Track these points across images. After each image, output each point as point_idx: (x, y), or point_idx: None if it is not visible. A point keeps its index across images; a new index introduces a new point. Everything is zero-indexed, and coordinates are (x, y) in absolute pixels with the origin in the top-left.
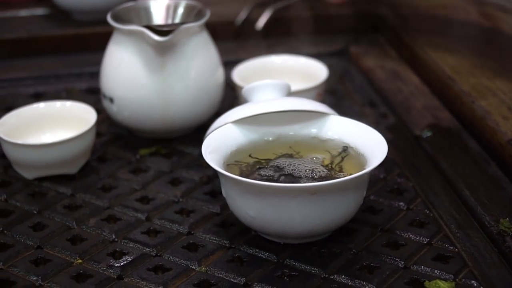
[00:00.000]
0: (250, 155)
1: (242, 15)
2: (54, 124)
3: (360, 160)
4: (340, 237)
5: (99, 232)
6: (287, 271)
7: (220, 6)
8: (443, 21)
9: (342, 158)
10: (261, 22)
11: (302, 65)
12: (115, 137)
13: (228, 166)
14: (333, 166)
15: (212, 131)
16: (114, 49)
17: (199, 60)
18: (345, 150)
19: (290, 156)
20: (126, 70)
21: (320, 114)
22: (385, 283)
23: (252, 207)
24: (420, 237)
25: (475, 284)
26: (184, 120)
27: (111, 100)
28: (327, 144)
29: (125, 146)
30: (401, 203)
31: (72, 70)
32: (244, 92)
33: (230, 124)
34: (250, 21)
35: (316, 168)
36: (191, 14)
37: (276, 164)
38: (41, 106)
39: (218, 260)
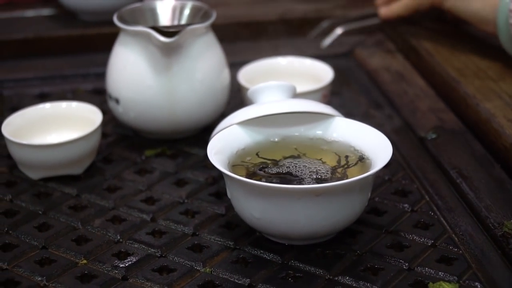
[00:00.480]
0: (257, 154)
1: (316, 31)
2: (59, 125)
3: (365, 162)
4: (344, 238)
5: (104, 232)
6: (292, 272)
7: (226, 7)
8: (449, 23)
9: (350, 160)
10: (328, 40)
11: (307, 67)
12: (120, 138)
13: (233, 167)
14: (339, 167)
15: (218, 132)
16: (120, 50)
17: (205, 61)
18: (361, 160)
19: (296, 157)
20: (132, 71)
21: (325, 116)
22: (389, 284)
23: (256, 208)
24: (424, 239)
25: (479, 286)
26: (189, 121)
27: (117, 101)
28: (333, 146)
29: (130, 147)
30: (406, 205)
31: (78, 71)
32: (249, 93)
33: (235, 125)
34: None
35: (321, 170)
36: (197, 15)
37: (281, 165)
38: (47, 106)
39: (223, 261)
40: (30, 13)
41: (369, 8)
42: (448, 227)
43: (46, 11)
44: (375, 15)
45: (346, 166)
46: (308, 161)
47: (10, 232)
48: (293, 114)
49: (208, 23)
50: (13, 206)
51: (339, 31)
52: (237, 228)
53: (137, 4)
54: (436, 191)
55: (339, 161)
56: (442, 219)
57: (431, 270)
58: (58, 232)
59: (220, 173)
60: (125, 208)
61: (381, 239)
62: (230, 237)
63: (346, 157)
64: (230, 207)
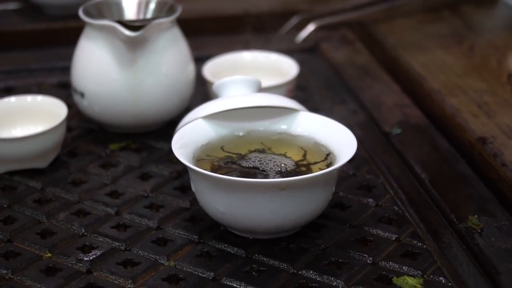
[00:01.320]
0: (222, 148)
1: (288, 26)
2: (25, 119)
3: (330, 156)
4: (309, 232)
5: (69, 226)
6: (256, 266)
7: (192, 1)
8: (414, 18)
9: (314, 154)
10: (303, 34)
11: (273, 61)
12: (85, 131)
13: (198, 161)
14: (303, 161)
15: (182, 126)
16: (85, 44)
17: (170, 55)
18: (326, 154)
19: (261, 151)
20: (97, 65)
21: (290, 110)
22: (353, 278)
23: (221, 202)
24: (388, 234)
25: (443, 281)
26: (154, 115)
27: (82, 94)
28: (298, 140)
29: (95, 140)
30: (370, 199)
31: (43, 65)
32: (214, 87)
33: (200, 119)
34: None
35: (286, 164)
36: (163, 9)
37: (247, 159)
38: (12, 100)
39: (187, 255)
40: None
41: (339, 3)
42: (412, 222)
43: (11, 5)
44: (346, 10)
45: (310, 160)
46: (273, 155)
47: None
48: (258, 108)
49: (173, 17)
50: None
51: (312, 26)
52: (201, 222)
53: None
54: (401, 186)
55: (304, 156)
56: (406, 213)
57: (395, 265)
58: (23, 226)
59: (185, 167)
60: (90, 201)
61: (346, 233)
62: (195, 231)
63: (311, 151)
64: (194, 201)
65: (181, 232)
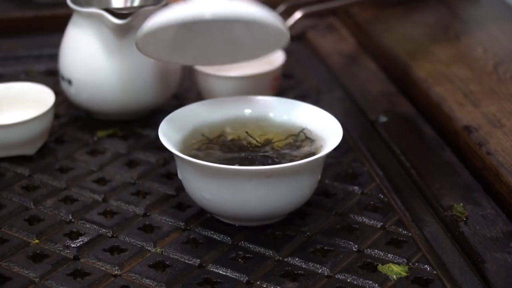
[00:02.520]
0: (207, 135)
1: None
2: (12, 106)
3: (315, 144)
4: (294, 220)
5: (56, 212)
6: (242, 253)
7: None
8: (401, 6)
9: (300, 142)
10: (289, 22)
11: None
12: (73, 118)
13: (184, 148)
14: (289, 149)
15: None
16: (73, 31)
17: None
18: (311, 142)
19: (247, 138)
20: (85, 53)
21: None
22: (339, 266)
23: (207, 189)
24: (374, 221)
25: (428, 269)
26: (141, 103)
27: (70, 82)
28: (283, 127)
29: (83, 127)
30: (356, 187)
31: (31, 52)
32: None
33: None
34: None
35: (272, 151)
36: None
37: (232, 146)
38: None
39: (174, 242)
40: None
41: None
42: (398, 210)
43: None
44: None
45: (296, 148)
46: (259, 142)
47: None
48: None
49: (160, 4)
50: None
51: (298, 14)
52: (188, 209)
53: None
54: (386, 174)
55: (289, 143)
56: (392, 201)
57: (381, 252)
58: (10, 212)
59: (172, 154)
60: (77, 188)
61: (331, 221)
62: (181, 218)
63: (297, 139)
64: (181, 188)
65: (167, 219)
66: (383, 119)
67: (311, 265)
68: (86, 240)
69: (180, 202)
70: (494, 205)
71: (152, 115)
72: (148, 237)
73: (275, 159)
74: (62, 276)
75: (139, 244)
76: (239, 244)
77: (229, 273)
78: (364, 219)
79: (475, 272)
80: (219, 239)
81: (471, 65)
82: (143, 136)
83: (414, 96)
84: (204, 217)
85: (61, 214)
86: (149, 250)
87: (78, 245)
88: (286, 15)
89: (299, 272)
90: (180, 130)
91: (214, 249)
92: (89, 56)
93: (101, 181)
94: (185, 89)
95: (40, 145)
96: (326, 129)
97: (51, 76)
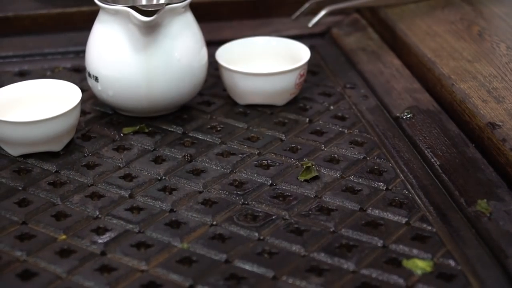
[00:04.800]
0: None
1: (299, 11)
2: (39, 102)
3: None
4: (319, 216)
5: (83, 208)
6: (268, 248)
7: None
8: (425, 3)
9: None
10: (315, 20)
11: (285, 46)
12: (99, 115)
13: None
14: None
15: None
16: (99, 28)
17: (183, 40)
18: None
19: None
20: (111, 49)
21: None
22: (364, 261)
23: None
24: (398, 217)
25: (453, 264)
26: (167, 100)
27: (96, 78)
28: None
29: (109, 124)
30: (381, 183)
31: (57, 49)
32: None
33: None
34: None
35: None
36: None
37: None
38: (26, 84)
39: (200, 237)
40: None
41: None
42: (422, 206)
43: None
44: None
45: None
46: None
47: None
48: None
49: (186, 2)
50: None
51: (323, 11)
52: (214, 204)
53: None
54: (411, 170)
55: None
56: (416, 197)
57: (405, 248)
58: (37, 208)
59: (197, 150)
60: (104, 184)
61: (356, 217)
62: (208, 214)
63: None
64: (207, 184)
65: (194, 215)
66: (407, 115)
67: (337, 260)
68: (113, 235)
69: (207, 198)
70: None
71: (178, 112)
72: (175, 233)
73: None
74: (89, 271)
75: (165, 240)
76: (265, 239)
77: (255, 269)
78: (389, 215)
79: (499, 267)
80: (245, 234)
81: (494, 61)
82: (169, 132)
83: (438, 93)
84: (231, 212)
85: (88, 210)
86: (175, 245)
87: (105, 240)
88: (311, 12)
89: (325, 267)
90: None
91: (240, 244)
92: (115, 53)
93: (127, 177)
94: (210, 85)
95: (67, 142)
96: None
97: (77, 73)
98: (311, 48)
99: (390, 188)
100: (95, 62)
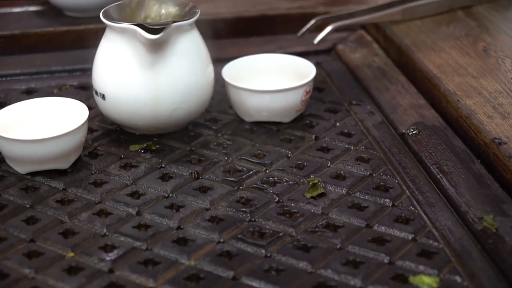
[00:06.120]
0: None
1: (305, 28)
2: (46, 120)
3: None
4: (326, 232)
5: (91, 226)
6: (275, 265)
7: (210, 3)
8: (430, 19)
9: None
10: (320, 36)
11: (290, 63)
12: (106, 132)
13: None
14: None
15: None
16: (106, 46)
17: (190, 57)
18: None
19: None
20: (118, 67)
21: None
22: (370, 277)
23: None
24: (405, 233)
25: (459, 280)
26: (174, 117)
27: (103, 96)
28: None
29: (116, 141)
30: (387, 200)
31: (64, 67)
32: None
33: None
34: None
35: None
36: (182, 12)
37: None
38: (34, 102)
39: (207, 254)
40: (17, 9)
41: (355, 5)
42: (428, 222)
43: (33, 7)
44: (363, 12)
45: None
46: None
47: None
48: None
49: (193, 20)
50: (1, 199)
51: (329, 28)
52: (221, 222)
53: (123, 1)
54: (417, 186)
55: None
56: (422, 213)
57: (412, 264)
58: (45, 225)
59: (204, 167)
60: (111, 202)
61: (363, 233)
62: (215, 231)
63: None
64: (214, 201)
65: (201, 232)
66: (413, 131)
67: (343, 277)
68: (120, 253)
69: (214, 215)
70: None
71: (185, 129)
72: (182, 250)
73: None
74: None
75: (173, 257)
76: (272, 256)
77: (262, 286)
78: (395, 231)
79: (505, 283)
80: (252, 251)
81: (500, 77)
82: (176, 149)
83: (443, 109)
84: (238, 229)
85: (96, 228)
86: (183, 263)
87: (112, 258)
88: (317, 29)
89: (332, 284)
90: None
91: (248, 261)
92: (122, 70)
93: (135, 194)
94: (217, 103)
95: (74, 159)
96: None
97: (84, 91)
98: (317, 64)
99: (396, 204)
100: (102, 80)
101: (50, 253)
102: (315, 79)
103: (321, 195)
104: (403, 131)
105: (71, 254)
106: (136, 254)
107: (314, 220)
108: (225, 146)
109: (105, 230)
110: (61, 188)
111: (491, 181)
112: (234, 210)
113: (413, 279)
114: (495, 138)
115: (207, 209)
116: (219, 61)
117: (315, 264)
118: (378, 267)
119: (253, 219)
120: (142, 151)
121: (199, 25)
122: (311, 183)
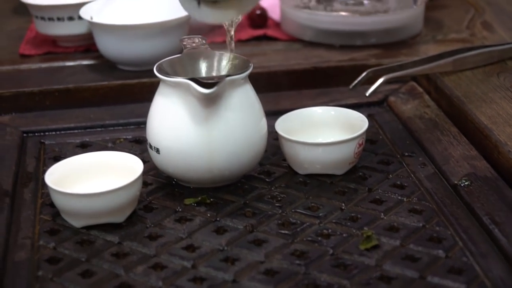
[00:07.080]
0: None
1: (356, 81)
2: (101, 174)
3: None
4: (380, 284)
5: (147, 279)
6: None
7: (263, 57)
8: (480, 70)
9: None
10: (371, 88)
11: (343, 116)
12: (161, 186)
13: None
14: None
15: None
16: (160, 100)
17: (243, 111)
18: None
19: None
20: (172, 121)
21: None
22: None
23: None
24: (457, 284)
25: None
26: (228, 171)
27: (158, 150)
28: None
29: (171, 195)
30: (440, 251)
31: (118, 120)
32: None
33: None
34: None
35: None
36: (235, 66)
37: None
38: (88, 156)
39: None
40: (71, 63)
41: (406, 57)
42: (481, 272)
43: (86, 61)
44: (414, 64)
45: None
46: None
47: (54, 279)
48: None
49: (246, 73)
50: (56, 253)
51: (380, 80)
52: (276, 275)
53: (177, 56)
54: (469, 237)
55: None
56: (475, 264)
57: None
58: (101, 279)
59: (259, 220)
60: (167, 255)
61: (416, 285)
62: (270, 284)
63: None
64: (269, 254)
65: (256, 285)
66: (465, 182)
67: None
68: None
69: (269, 268)
70: None
71: (239, 182)
72: None
73: None
74: None
75: None
76: None
77: None
78: (449, 282)
79: None
80: None
81: None
82: (230, 202)
83: (495, 160)
84: (293, 282)
85: (151, 281)
86: None
87: None
88: (368, 81)
89: None
90: None
91: None
92: (176, 124)
93: (190, 247)
94: (270, 155)
95: (129, 213)
96: None
97: (138, 144)
98: (369, 116)
99: (449, 255)
100: (156, 134)
101: None
102: (367, 131)
103: (375, 247)
104: (455, 182)
105: None
106: None
107: (368, 272)
108: (279, 199)
109: (160, 284)
110: (116, 242)
111: None
112: (289, 263)
113: None
114: None
115: (262, 262)
116: (272, 113)
117: None
118: None
119: (307, 272)
120: (197, 205)
121: (252, 79)
122: (365, 235)
